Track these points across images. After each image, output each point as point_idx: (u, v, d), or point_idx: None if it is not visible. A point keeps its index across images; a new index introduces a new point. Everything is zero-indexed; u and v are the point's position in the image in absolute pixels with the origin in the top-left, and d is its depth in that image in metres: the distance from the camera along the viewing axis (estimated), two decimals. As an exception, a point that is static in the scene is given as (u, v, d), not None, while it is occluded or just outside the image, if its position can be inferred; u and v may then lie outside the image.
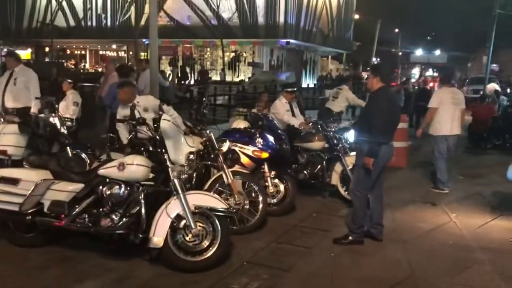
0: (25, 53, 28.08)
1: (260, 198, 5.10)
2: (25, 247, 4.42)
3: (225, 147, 5.16)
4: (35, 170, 4.42)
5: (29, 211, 4.22)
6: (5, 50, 25.85)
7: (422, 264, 4.43)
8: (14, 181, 4.25)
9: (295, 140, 6.53)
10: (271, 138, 5.65)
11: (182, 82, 22.35)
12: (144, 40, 22.79)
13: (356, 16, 34.95)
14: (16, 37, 28.32)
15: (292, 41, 25.56)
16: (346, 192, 6.08)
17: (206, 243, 4.05)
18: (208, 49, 27.74)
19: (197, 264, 4.03)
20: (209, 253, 4.04)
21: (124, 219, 4.06)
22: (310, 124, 6.71)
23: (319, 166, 6.43)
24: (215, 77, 24.68)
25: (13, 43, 27.64)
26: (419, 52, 52.91)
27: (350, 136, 6.60)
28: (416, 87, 17.92)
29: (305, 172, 6.41)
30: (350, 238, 4.84)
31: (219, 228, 4.07)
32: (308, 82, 29.39)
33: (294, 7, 25.28)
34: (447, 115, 6.96)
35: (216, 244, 4.05)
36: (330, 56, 38.21)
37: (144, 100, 5.56)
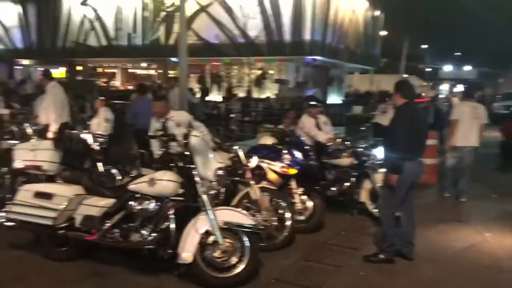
0: (59, 72, 29.02)
1: (288, 215, 5.08)
2: (59, 260, 4.52)
3: (252, 163, 5.18)
4: (68, 185, 4.54)
5: (62, 226, 4.33)
6: (39, 69, 26.81)
7: (455, 285, 4.31)
8: (48, 196, 4.38)
9: (323, 157, 6.50)
10: (298, 155, 5.64)
11: (205, 98, 22.60)
12: (172, 59, 23.21)
13: (384, 32, 34.76)
14: (51, 56, 29.30)
15: (318, 58, 25.53)
16: (376, 210, 5.99)
17: (234, 259, 4.05)
18: (235, 66, 28.03)
19: (226, 281, 4.02)
20: (238, 270, 4.04)
21: (153, 234, 4.11)
22: (338, 140, 6.67)
23: (347, 183, 6.37)
24: (242, 94, 24.87)
25: (48, 62, 28.58)
26: (448, 68, 52.04)
27: (380, 152, 6.52)
28: (447, 103, 17.54)
29: (333, 189, 6.36)
30: (381, 256, 4.75)
31: (248, 244, 4.07)
32: (335, 98, 29.27)
33: (320, 25, 25.32)
34: (463, 128, 7.22)
35: (244, 260, 4.04)
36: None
37: (178, 115, 5.66)
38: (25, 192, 4.51)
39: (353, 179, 6.36)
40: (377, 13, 33.31)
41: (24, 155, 5.11)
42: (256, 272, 4.25)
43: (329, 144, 6.68)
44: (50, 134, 6.73)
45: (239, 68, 27.81)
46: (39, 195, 4.42)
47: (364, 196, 6.26)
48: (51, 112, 6.92)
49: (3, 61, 29.24)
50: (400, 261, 4.76)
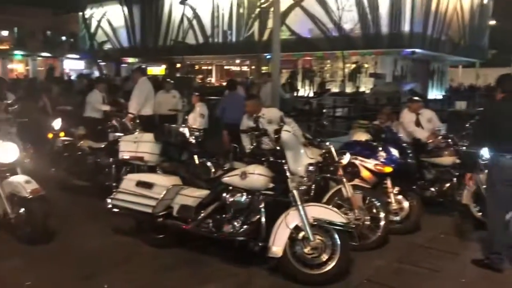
0: (159, 69, 30.81)
1: (382, 215, 4.87)
2: (156, 247, 4.76)
3: (345, 159, 5.03)
4: (167, 176, 4.78)
5: (161, 214, 4.57)
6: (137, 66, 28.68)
7: None
8: (149, 185, 4.64)
9: (422, 155, 6.15)
10: (394, 152, 5.38)
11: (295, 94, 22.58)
12: (265, 54, 23.50)
13: (493, 22, 32.05)
14: (153, 54, 31.19)
15: (417, 50, 24.25)
16: (480, 213, 5.53)
17: (325, 256, 3.98)
18: (329, 61, 27.61)
19: (315, 278, 3.97)
20: (328, 267, 3.96)
21: (244, 226, 4.18)
22: (440, 137, 6.26)
23: (448, 184, 5.96)
24: (335, 88, 24.47)
25: (150, 60, 30.47)
26: None
27: (486, 151, 6.00)
28: None
29: (432, 189, 6.00)
30: (486, 262, 4.39)
31: (339, 242, 3.98)
32: (436, 93, 27.67)
33: (421, 15, 23.98)
34: None
35: (335, 258, 3.95)
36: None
37: (269, 112, 5.73)
38: (129, 181, 4.82)
39: (455, 179, 5.94)
40: (486, 0, 30.76)
41: (128, 147, 5.48)
42: (347, 271, 4.13)
43: (429, 141, 6.30)
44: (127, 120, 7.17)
45: (332, 62, 27.38)
46: (141, 184, 4.70)
47: (467, 198, 5.80)
48: (133, 102, 7.42)
49: (111, 60, 31.76)
50: (509, 269, 4.35)
